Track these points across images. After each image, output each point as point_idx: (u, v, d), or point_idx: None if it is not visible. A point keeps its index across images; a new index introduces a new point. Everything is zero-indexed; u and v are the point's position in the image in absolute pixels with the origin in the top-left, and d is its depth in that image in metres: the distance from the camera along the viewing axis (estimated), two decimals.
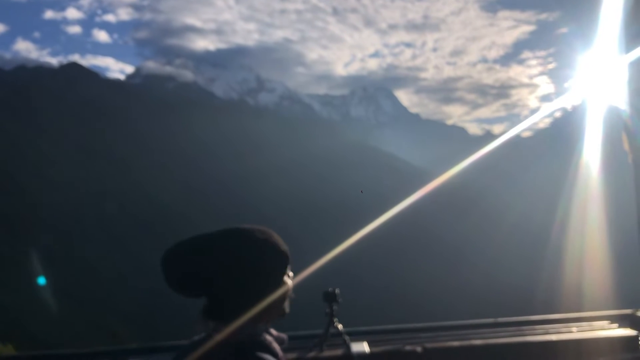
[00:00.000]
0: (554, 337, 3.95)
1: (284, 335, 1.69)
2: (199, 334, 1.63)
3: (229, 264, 1.60)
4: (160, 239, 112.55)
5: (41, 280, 78.34)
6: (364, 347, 3.57)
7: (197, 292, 1.62)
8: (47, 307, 76.36)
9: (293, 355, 3.54)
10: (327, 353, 3.54)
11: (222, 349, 1.55)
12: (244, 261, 1.61)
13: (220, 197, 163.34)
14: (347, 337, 3.58)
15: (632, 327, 4.28)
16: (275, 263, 1.66)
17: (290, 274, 1.79)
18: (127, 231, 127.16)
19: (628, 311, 4.75)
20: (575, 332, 4.14)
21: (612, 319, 4.55)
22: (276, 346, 1.64)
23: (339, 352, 3.53)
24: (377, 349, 3.62)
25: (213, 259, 1.60)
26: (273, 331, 1.69)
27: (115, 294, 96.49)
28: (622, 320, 4.52)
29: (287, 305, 1.75)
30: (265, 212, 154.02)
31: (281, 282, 1.70)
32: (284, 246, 1.76)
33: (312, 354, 3.54)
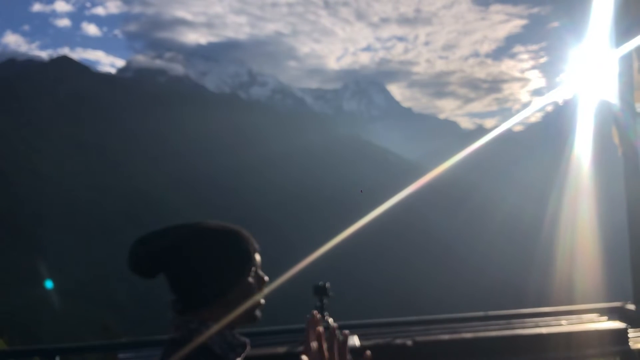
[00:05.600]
0: (544, 330, 3.96)
1: (243, 339, 1.61)
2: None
3: (180, 246, 1.59)
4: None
5: (49, 284, 78.38)
6: (354, 340, 3.57)
7: (151, 271, 1.63)
8: (39, 301, 76.21)
9: (284, 349, 3.54)
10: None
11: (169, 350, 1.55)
12: (199, 249, 1.59)
13: (212, 191, 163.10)
14: (337, 331, 3.57)
15: (622, 319, 4.30)
16: (232, 258, 1.59)
17: (264, 277, 1.69)
18: (118, 224, 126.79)
19: (617, 304, 4.77)
20: (565, 325, 4.15)
21: (602, 311, 4.57)
22: (219, 350, 1.57)
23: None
24: (368, 343, 3.62)
25: (169, 241, 1.62)
26: (229, 334, 1.60)
27: (107, 288, 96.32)
28: (612, 313, 4.54)
29: (255, 310, 1.65)
30: (257, 206, 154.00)
31: (239, 280, 1.62)
32: (246, 244, 1.66)
33: (302, 348, 3.53)
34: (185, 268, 1.60)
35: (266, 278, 1.70)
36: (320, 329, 1.64)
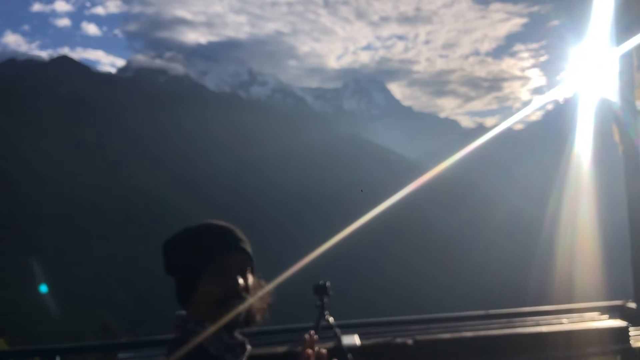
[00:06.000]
0: (544, 329, 3.96)
1: (241, 339, 1.63)
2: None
3: (171, 250, 1.66)
4: (152, 231, 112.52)
5: (43, 289, 78.34)
6: (355, 339, 3.57)
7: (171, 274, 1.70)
8: (39, 301, 76.23)
9: (284, 348, 3.53)
10: (318, 346, 3.52)
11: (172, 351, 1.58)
12: (176, 249, 1.65)
13: (212, 190, 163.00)
14: (338, 330, 3.57)
15: (622, 318, 4.30)
16: (193, 256, 1.61)
17: (238, 280, 1.62)
18: (119, 224, 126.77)
19: (618, 302, 4.77)
20: (566, 324, 4.15)
21: (603, 310, 4.57)
22: (215, 351, 1.57)
23: (330, 344, 3.51)
24: (368, 342, 3.61)
25: (167, 246, 1.68)
26: (225, 335, 1.60)
27: (107, 287, 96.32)
28: (612, 312, 4.54)
29: (241, 314, 1.61)
30: (258, 205, 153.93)
31: (201, 279, 1.59)
32: (210, 240, 1.63)
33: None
34: (171, 267, 1.67)
35: (240, 281, 1.63)
36: (310, 351, 1.65)
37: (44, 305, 74.39)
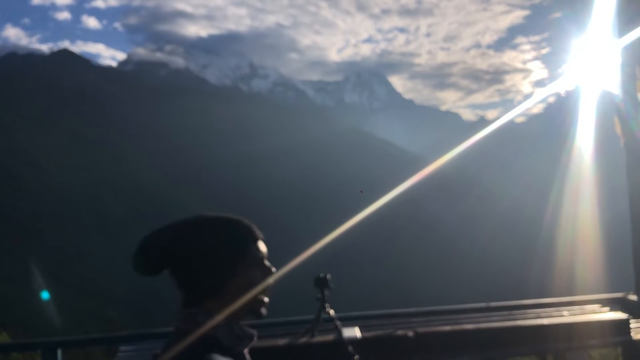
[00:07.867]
0: (545, 321, 3.96)
1: (251, 331, 1.61)
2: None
3: (181, 244, 1.58)
4: (152, 225, 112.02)
5: (45, 295, 78.29)
6: (355, 331, 3.57)
7: (153, 269, 1.62)
8: (41, 295, 76.47)
9: (285, 340, 3.54)
10: (319, 338, 3.53)
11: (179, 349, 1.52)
12: (195, 242, 1.58)
13: (212, 184, 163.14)
14: (338, 323, 3.57)
15: (623, 310, 4.30)
16: (227, 248, 1.57)
17: (271, 267, 1.66)
18: (120, 218, 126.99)
19: (619, 295, 4.78)
20: (567, 316, 4.15)
21: (603, 302, 4.57)
22: (227, 342, 1.55)
23: (330, 337, 3.52)
24: (369, 334, 3.61)
25: (168, 237, 1.61)
26: (236, 326, 1.59)
27: (108, 281, 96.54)
28: (613, 304, 4.55)
29: (258, 303, 1.62)
30: (258, 199, 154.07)
31: (236, 270, 1.58)
32: (242, 233, 1.62)
33: (303, 340, 3.53)
34: (185, 262, 1.59)
35: (273, 269, 1.66)
36: None
37: (47, 301, 74.63)
